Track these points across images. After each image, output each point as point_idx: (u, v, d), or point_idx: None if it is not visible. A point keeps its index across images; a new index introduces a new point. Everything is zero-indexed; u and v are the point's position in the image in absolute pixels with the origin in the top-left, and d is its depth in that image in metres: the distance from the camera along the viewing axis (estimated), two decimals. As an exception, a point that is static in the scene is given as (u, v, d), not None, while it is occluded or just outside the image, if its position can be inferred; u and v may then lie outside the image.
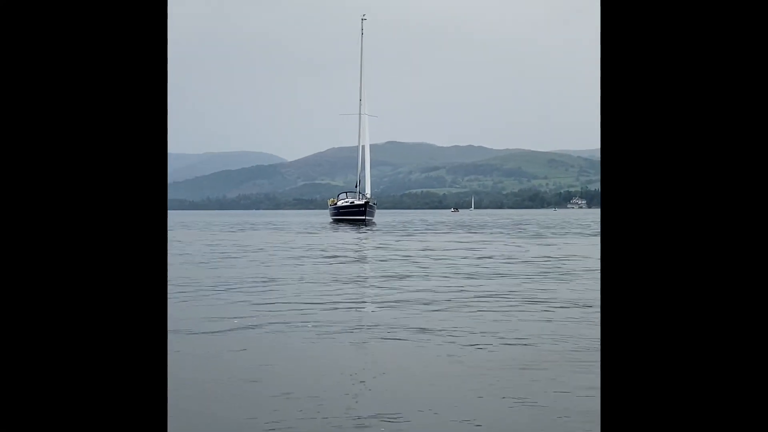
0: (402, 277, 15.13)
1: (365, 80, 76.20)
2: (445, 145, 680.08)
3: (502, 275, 15.46)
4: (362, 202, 63.90)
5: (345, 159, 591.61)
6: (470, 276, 15.38)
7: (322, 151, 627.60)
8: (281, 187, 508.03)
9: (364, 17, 76.21)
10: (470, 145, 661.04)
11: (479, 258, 20.52)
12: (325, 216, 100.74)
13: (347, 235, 39.05)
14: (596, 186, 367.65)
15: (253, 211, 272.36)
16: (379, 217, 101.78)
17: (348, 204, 65.34)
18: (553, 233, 38.20)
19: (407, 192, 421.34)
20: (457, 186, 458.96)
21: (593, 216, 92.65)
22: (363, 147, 73.22)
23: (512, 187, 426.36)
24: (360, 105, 74.55)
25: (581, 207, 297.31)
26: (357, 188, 70.87)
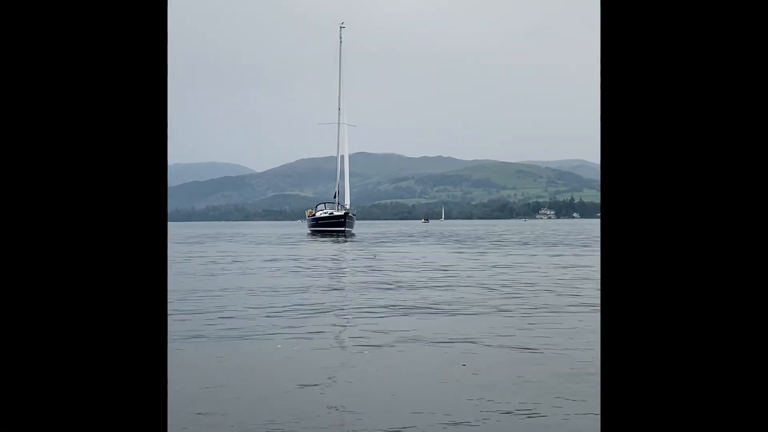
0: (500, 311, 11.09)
1: (347, 87, 74.77)
2: (414, 156, 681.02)
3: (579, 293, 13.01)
4: (341, 213, 61.96)
5: (315, 170, 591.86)
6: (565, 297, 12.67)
7: (291, 162, 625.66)
8: (250, 198, 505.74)
9: (342, 25, 73.51)
10: (439, 156, 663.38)
11: (510, 277, 17.21)
12: (299, 227, 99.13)
13: (338, 247, 36.09)
14: (564, 197, 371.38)
15: (222, 222, 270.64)
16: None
17: (327, 215, 63.42)
18: (565, 244, 37.05)
19: (377, 203, 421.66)
20: (427, 196, 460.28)
21: (569, 227, 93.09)
22: (342, 157, 71.04)
23: (481, 197, 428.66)
24: (339, 114, 72.05)
25: (550, 217, 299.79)
26: (336, 199, 68.79)
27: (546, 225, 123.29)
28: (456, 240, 45.47)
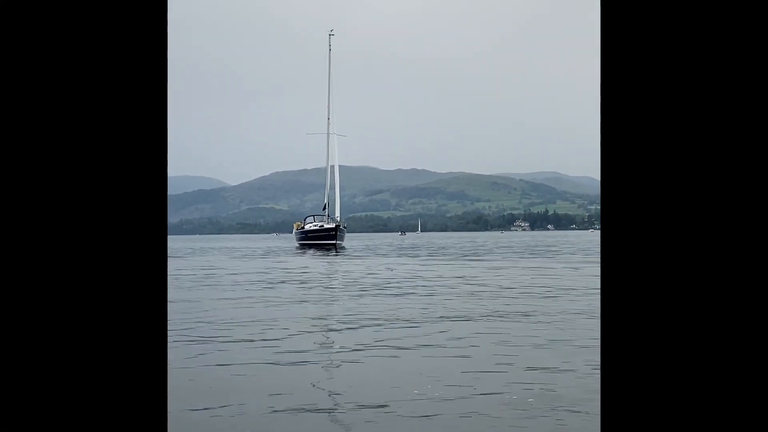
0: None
1: (326, 98, 69.17)
2: (389, 169, 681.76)
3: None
4: (332, 225, 59.17)
5: (289, 183, 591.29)
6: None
7: (266, 175, 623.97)
8: (224, 211, 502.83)
9: (332, 32, 69.95)
10: (414, 169, 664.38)
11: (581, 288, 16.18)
12: (277, 240, 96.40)
13: (343, 261, 33.94)
14: (538, 209, 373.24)
15: (197, 236, 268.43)
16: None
17: (317, 228, 60.52)
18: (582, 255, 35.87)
19: (352, 215, 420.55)
20: (402, 209, 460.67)
21: (552, 238, 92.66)
22: (332, 168, 67.69)
23: (456, 210, 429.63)
24: (328, 124, 68.06)
25: (524, 229, 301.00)
26: (325, 211, 65.57)
27: (524, 237, 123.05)
28: (457, 254, 43.48)
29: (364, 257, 38.76)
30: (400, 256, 40.84)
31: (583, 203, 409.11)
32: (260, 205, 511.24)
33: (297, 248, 57.55)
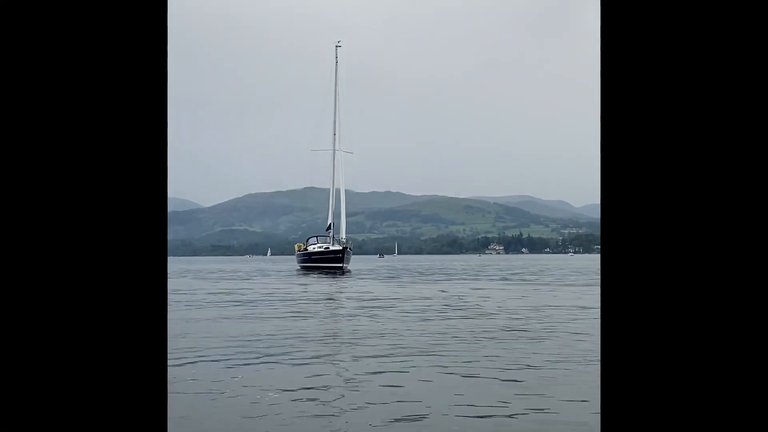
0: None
1: (331, 113, 64.26)
2: (363, 191, 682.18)
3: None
4: (339, 247, 55.16)
5: (263, 205, 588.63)
6: None
7: (239, 196, 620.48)
8: (197, 233, 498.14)
9: (338, 44, 64.13)
10: (388, 191, 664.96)
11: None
12: (259, 263, 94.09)
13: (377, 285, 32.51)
14: (512, 232, 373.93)
15: (170, 257, 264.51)
16: (291, 262, 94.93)
17: (322, 250, 56.44)
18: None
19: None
20: (376, 232, 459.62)
21: (537, 261, 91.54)
22: (338, 186, 62.86)
23: (430, 233, 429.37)
24: (334, 140, 63.02)
25: (499, 253, 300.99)
26: (330, 232, 61.15)
27: (502, 260, 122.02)
28: (480, 275, 42.09)
29: (385, 280, 37.15)
30: (415, 280, 39.08)
31: (557, 227, 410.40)
32: (233, 227, 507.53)
33: (298, 271, 54.67)
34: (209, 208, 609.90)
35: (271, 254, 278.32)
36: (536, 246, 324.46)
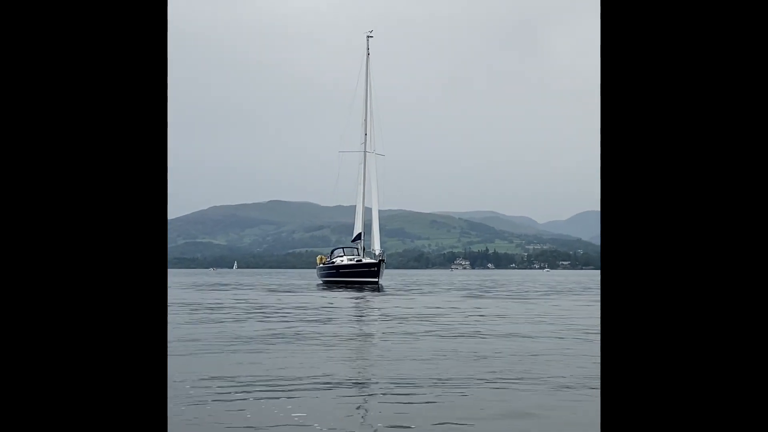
0: None
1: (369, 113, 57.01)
2: (328, 205, 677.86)
3: None
4: (375, 260, 48.55)
5: (228, 217, 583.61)
6: None
7: (203, 209, 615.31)
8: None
9: (370, 34, 57.29)
10: (353, 206, 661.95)
11: None
12: (224, 276, 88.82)
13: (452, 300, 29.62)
14: (478, 247, 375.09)
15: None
16: (276, 276, 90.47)
17: (353, 263, 50.10)
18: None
19: (291, 251, 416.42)
20: (342, 246, 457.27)
21: (513, 276, 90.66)
22: (370, 192, 55.75)
23: (396, 247, 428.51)
24: (366, 140, 55.76)
25: (465, 268, 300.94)
26: (360, 242, 54.90)
27: (476, 275, 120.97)
28: (499, 291, 39.21)
29: (431, 294, 34.29)
30: (447, 291, 36.40)
31: (521, 243, 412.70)
32: (198, 240, 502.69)
33: (319, 285, 48.05)
34: (172, 220, 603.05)
35: (237, 267, 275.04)
36: (502, 261, 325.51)
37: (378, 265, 47.32)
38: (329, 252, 57.04)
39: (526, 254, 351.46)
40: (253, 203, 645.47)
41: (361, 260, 50.18)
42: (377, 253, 51.59)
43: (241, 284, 55.61)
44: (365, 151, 55.88)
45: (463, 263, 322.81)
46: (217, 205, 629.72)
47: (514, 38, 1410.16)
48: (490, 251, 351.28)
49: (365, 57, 57.64)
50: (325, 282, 50.60)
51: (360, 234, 55.18)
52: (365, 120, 56.43)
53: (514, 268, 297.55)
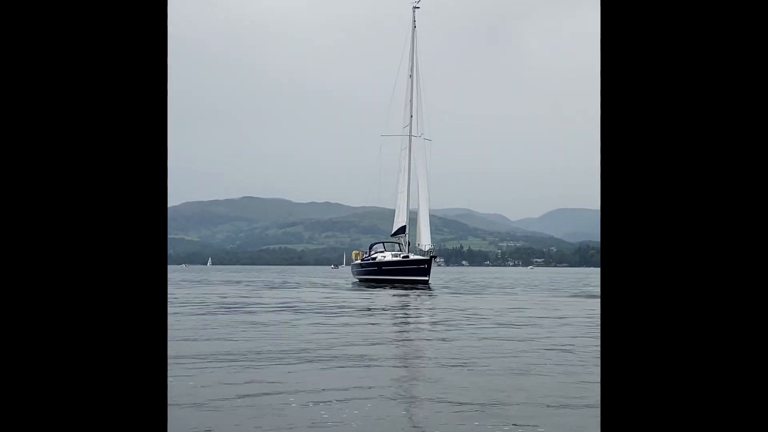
0: None
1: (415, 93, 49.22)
2: (301, 202, 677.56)
3: None
4: (425, 257, 43.02)
5: (200, 213, 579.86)
6: None
7: (176, 204, 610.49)
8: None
9: (417, 4, 49.30)
10: (327, 202, 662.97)
11: None
12: (197, 273, 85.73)
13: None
14: (452, 244, 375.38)
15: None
16: (249, 273, 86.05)
17: (399, 259, 43.60)
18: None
19: (264, 248, 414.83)
20: (315, 242, 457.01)
21: (486, 274, 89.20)
22: (418, 180, 48.04)
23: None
24: (411, 124, 48.18)
25: (440, 265, 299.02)
26: (401, 236, 48.39)
27: (459, 272, 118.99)
28: (540, 288, 36.26)
29: (501, 294, 30.94)
30: (507, 291, 32.95)
31: (494, 240, 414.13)
32: (170, 236, 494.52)
33: (355, 284, 43.90)
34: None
35: (212, 263, 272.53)
36: (476, 259, 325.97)
37: (428, 262, 42.30)
38: (369, 247, 50.50)
39: (499, 251, 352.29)
40: (226, 199, 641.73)
41: (408, 256, 44.15)
42: (426, 249, 45.95)
43: (287, 283, 48.87)
44: (411, 135, 48.73)
45: (438, 260, 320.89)
46: (190, 200, 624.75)
47: (492, 33, 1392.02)
48: (465, 249, 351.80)
49: (412, 31, 50.05)
50: (362, 280, 45.62)
51: (404, 227, 48.58)
52: (411, 102, 49.20)
53: (488, 265, 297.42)
